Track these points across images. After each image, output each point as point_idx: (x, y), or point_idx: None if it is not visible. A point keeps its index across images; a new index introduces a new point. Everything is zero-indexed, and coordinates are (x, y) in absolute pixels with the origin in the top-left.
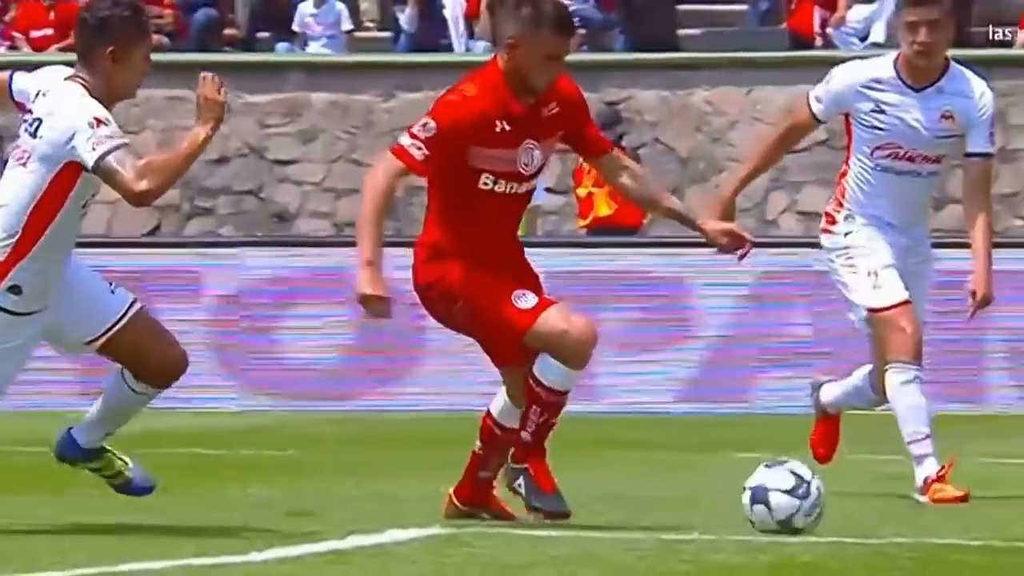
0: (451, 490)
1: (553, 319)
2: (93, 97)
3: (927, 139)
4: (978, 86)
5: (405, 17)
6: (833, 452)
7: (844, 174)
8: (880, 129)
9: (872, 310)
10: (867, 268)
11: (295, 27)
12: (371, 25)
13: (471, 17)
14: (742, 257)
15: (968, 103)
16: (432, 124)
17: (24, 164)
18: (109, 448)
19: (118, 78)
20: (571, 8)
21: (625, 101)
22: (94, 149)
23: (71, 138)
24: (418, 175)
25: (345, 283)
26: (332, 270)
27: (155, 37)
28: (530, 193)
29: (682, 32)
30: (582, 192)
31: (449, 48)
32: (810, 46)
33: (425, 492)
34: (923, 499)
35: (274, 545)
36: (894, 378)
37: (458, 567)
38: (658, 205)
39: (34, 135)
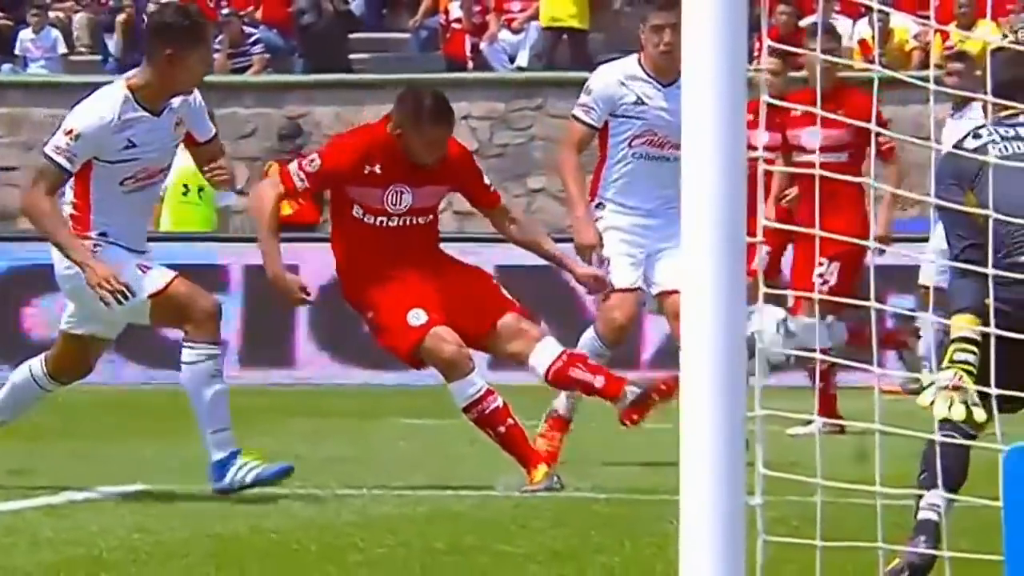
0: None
1: (433, 339)
2: (140, 93)
3: (676, 127)
4: None
5: (112, 43)
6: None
7: (600, 168)
8: (639, 119)
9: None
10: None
11: (16, 51)
12: (83, 49)
13: None
14: (600, 294)
15: None
16: (317, 162)
17: None
18: None
19: (175, 78)
20: (256, 36)
21: (304, 116)
22: (53, 148)
23: None
24: (292, 199)
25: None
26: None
27: None
28: (418, 224)
29: (353, 56)
30: None
31: None
32: (463, 69)
33: (128, 453)
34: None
35: None
36: (588, 341)
37: (158, 517)
38: (538, 248)
39: None
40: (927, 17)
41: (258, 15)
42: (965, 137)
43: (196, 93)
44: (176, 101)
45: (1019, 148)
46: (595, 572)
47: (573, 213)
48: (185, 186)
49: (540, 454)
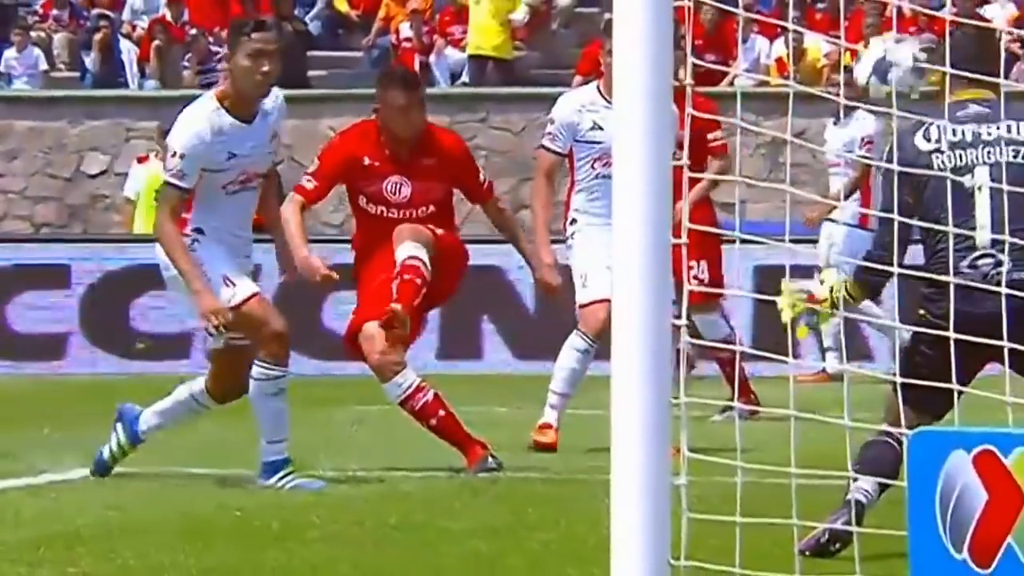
0: None
1: (365, 342)
2: (227, 100)
3: None
4: None
5: (90, 60)
6: None
7: (570, 189)
8: (598, 143)
9: (580, 305)
10: (580, 271)
11: (1, 68)
12: (62, 66)
13: (143, 60)
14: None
15: None
16: (317, 163)
17: None
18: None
19: (237, 83)
20: (221, 53)
21: None
22: (165, 171)
23: None
24: (310, 202)
25: (49, 274)
26: (38, 264)
27: None
28: (420, 216)
29: (312, 73)
30: None
31: (125, 85)
32: None
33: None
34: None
35: None
36: (571, 340)
37: (131, 496)
38: (516, 243)
39: None
40: (837, 37)
41: (223, 35)
42: (917, 130)
43: (277, 106)
44: (268, 108)
45: (963, 158)
46: (533, 547)
47: (536, 235)
48: (156, 192)
49: (475, 440)
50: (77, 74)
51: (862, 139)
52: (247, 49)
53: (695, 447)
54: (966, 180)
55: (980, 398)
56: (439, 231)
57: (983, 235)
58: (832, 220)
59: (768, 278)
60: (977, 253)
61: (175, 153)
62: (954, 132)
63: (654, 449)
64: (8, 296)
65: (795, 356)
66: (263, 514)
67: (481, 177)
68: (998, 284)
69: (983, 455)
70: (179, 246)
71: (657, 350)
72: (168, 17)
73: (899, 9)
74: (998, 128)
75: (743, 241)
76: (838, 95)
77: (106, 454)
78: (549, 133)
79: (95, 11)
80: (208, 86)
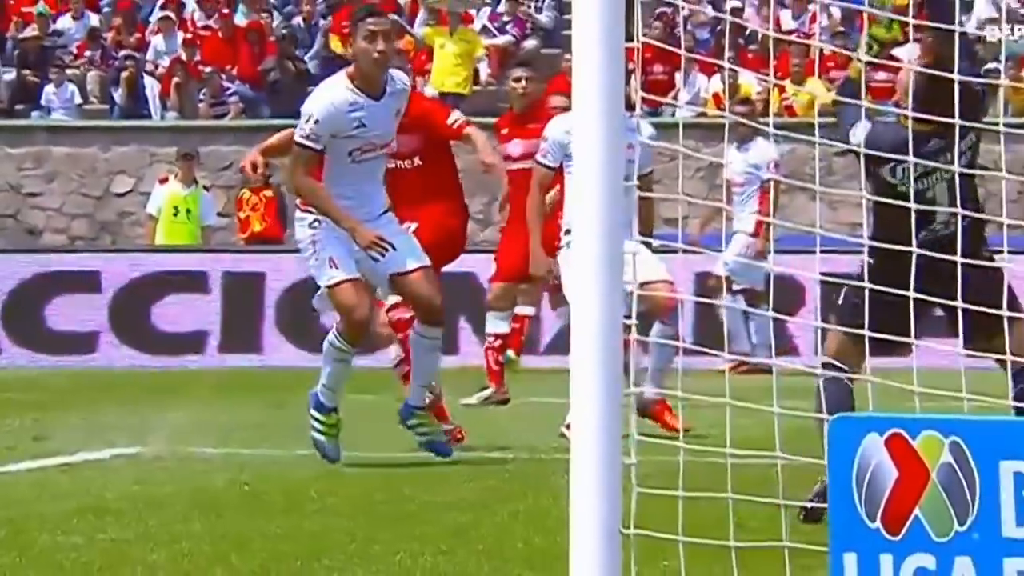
0: None
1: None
2: (355, 79)
3: None
4: None
5: (118, 95)
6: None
7: (561, 202)
8: None
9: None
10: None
11: (42, 101)
12: (94, 100)
13: (164, 95)
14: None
15: None
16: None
17: None
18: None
19: (359, 62)
20: (232, 89)
21: None
22: (298, 135)
23: None
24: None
25: (81, 279)
26: (72, 271)
27: None
28: (404, 168)
29: None
30: (242, 215)
31: (148, 116)
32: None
33: (129, 422)
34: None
35: (23, 459)
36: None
37: (152, 473)
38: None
39: None
40: (767, 75)
41: (234, 72)
42: (884, 165)
43: (403, 88)
44: (396, 88)
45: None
46: (503, 518)
47: (531, 242)
48: (175, 208)
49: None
50: (107, 107)
51: (770, 162)
52: (363, 32)
53: (643, 431)
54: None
55: (892, 388)
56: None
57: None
58: (736, 231)
59: (704, 283)
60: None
61: (310, 118)
62: (916, 168)
63: (607, 433)
64: (47, 299)
65: (730, 352)
66: (268, 488)
67: (451, 119)
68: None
69: (894, 438)
70: (321, 194)
71: (610, 347)
72: (185, 57)
73: (820, 51)
74: (951, 154)
75: (684, 251)
76: (763, 124)
77: (322, 439)
78: (542, 151)
79: (123, 52)
80: (221, 116)
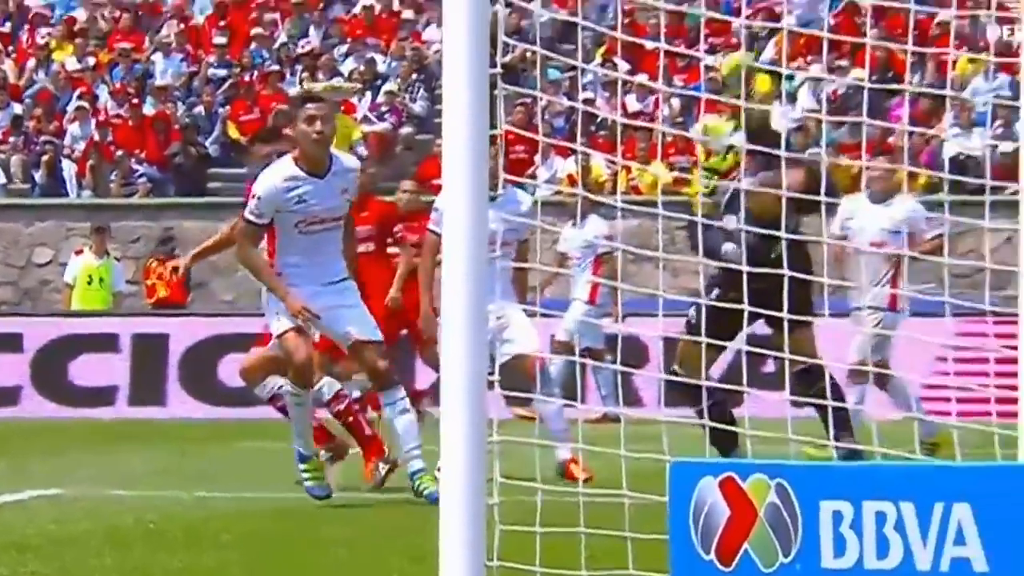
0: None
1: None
2: (299, 159)
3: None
4: None
5: (39, 175)
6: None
7: None
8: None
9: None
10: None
11: None
12: (17, 180)
13: (80, 175)
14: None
15: None
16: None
17: None
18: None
19: (300, 144)
20: (141, 171)
21: (175, 228)
22: (246, 211)
23: None
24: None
25: (6, 341)
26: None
27: None
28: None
29: (211, 185)
30: (149, 283)
31: (66, 194)
32: None
33: (51, 467)
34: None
35: None
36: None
37: (69, 512)
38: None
39: None
40: (615, 159)
41: (142, 155)
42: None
43: (350, 167)
44: (342, 168)
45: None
46: (381, 551)
47: (422, 304)
48: (89, 277)
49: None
50: (29, 186)
51: (601, 236)
52: (303, 116)
53: (504, 474)
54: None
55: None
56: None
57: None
58: (574, 298)
59: (559, 343)
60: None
61: (255, 196)
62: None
63: (473, 476)
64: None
65: (583, 402)
66: (171, 527)
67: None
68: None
69: (726, 480)
70: (262, 265)
71: (475, 400)
72: (98, 140)
73: (663, 135)
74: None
75: (543, 315)
76: (611, 200)
77: (310, 485)
78: (434, 219)
79: (43, 137)
80: (130, 195)
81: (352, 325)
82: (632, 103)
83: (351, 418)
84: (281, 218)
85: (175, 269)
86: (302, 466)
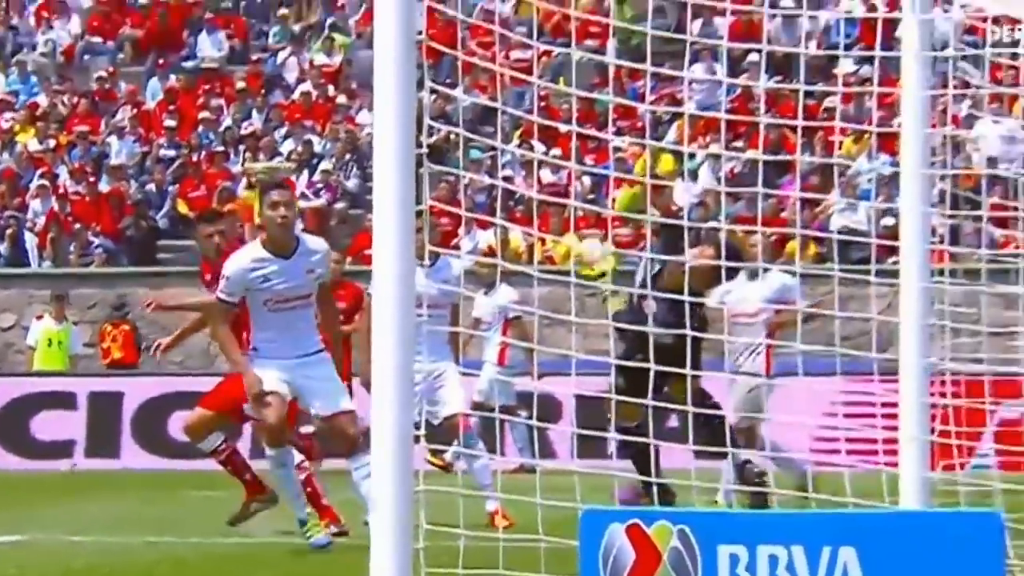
0: None
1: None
2: (266, 242)
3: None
4: None
5: (3, 247)
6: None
7: None
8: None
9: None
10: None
11: None
12: None
13: (41, 247)
14: None
15: None
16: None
17: None
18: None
19: (266, 227)
20: (97, 242)
21: (128, 294)
22: (218, 291)
23: None
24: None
25: None
26: None
27: None
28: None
29: (160, 256)
30: (104, 345)
31: (28, 264)
32: None
33: (13, 515)
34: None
35: None
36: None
37: (30, 557)
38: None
39: None
40: (531, 232)
41: (98, 229)
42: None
43: (319, 250)
44: (308, 250)
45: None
46: None
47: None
48: (49, 340)
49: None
50: None
51: (509, 302)
52: (267, 202)
53: (430, 521)
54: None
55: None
56: None
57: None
58: (486, 360)
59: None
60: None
61: (224, 276)
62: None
63: (400, 523)
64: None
65: (501, 455)
66: (126, 570)
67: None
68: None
69: (632, 526)
70: (228, 342)
71: (402, 453)
72: (57, 210)
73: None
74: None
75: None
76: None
77: (316, 540)
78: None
79: (7, 212)
80: (87, 265)
81: (318, 399)
82: (547, 177)
83: (309, 488)
84: (251, 296)
85: (159, 347)
86: (304, 529)
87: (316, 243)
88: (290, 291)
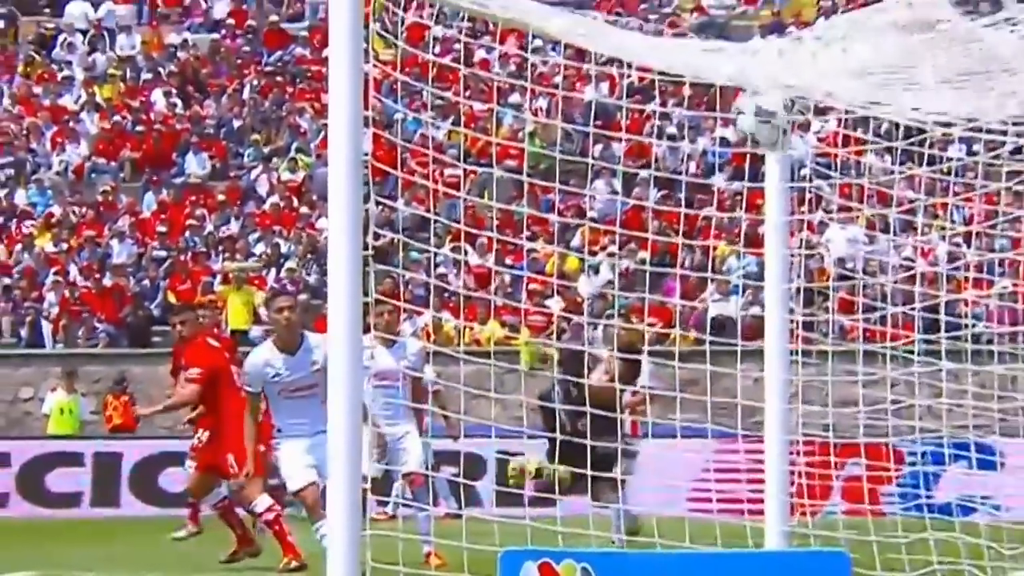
0: None
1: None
2: (276, 341)
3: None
4: None
5: (23, 332)
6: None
7: None
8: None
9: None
10: None
11: None
12: (6, 335)
13: (55, 333)
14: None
15: None
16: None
17: None
18: None
19: (274, 328)
20: (101, 328)
21: (128, 371)
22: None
23: None
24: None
25: None
26: None
27: None
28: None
29: (155, 339)
30: (107, 413)
31: (43, 346)
32: None
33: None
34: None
35: None
36: None
37: None
38: None
39: None
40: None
41: (103, 316)
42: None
43: (321, 347)
44: (312, 346)
45: None
46: None
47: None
48: (61, 408)
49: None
50: (15, 340)
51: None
52: (273, 307)
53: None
54: None
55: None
56: None
57: None
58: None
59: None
60: None
61: (244, 372)
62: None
63: (349, 562)
64: None
65: (435, 504)
66: None
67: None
68: None
69: (544, 565)
70: (246, 426)
71: (351, 502)
72: (68, 300)
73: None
74: None
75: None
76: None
77: None
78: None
79: (27, 303)
80: (93, 347)
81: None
82: (476, 274)
83: (277, 527)
84: (267, 388)
85: (140, 416)
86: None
87: (317, 339)
88: (298, 382)
